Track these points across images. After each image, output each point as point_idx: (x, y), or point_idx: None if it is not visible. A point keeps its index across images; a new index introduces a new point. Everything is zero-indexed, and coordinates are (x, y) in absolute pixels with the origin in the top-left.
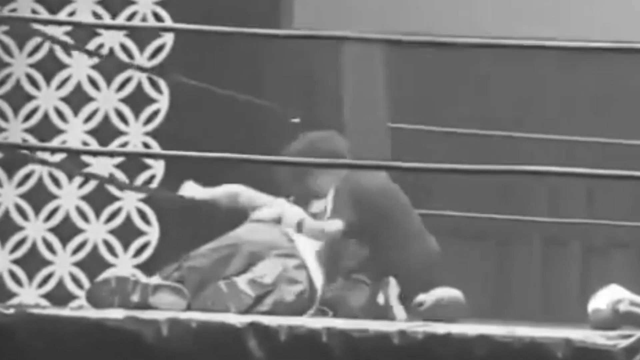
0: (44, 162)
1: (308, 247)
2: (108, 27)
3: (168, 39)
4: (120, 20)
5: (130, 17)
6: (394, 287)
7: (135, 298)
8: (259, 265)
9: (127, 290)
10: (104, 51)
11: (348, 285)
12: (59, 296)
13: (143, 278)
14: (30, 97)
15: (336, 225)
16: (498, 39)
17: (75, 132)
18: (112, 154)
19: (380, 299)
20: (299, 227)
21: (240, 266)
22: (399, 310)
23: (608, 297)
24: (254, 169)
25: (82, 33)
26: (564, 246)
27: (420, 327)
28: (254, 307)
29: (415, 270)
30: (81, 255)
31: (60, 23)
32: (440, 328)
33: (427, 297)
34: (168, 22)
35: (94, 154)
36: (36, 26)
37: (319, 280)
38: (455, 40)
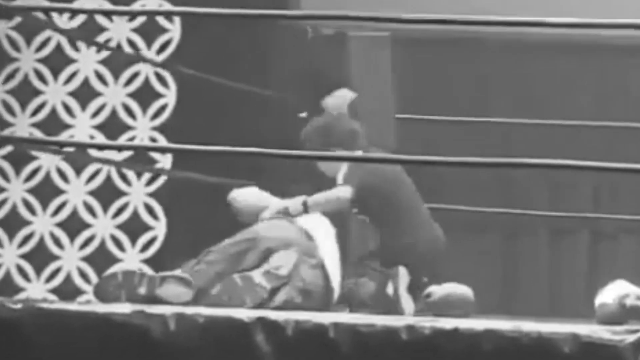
0: (53, 151)
1: (327, 244)
2: (116, 14)
3: (175, 33)
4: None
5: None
6: (404, 278)
7: (142, 290)
8: (274, 257)
9: (134, 283)
10: (112, 45)
11: (359, 271)
12: (67, 291)
13: (149, 271)
14: (37, 92)
15: (343, 191)
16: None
17: (82, 127)
18: (119, 148)
19: (390, 290)
20: (305, 207)
21: (255, 260)
22: (407, 301)
23: (615, 292)
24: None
25: (90, 28)
26: (570, 236)
27: (427, 322)
28: (269, 300)
29: (423, 257)
30: (89, 250)
31: (63, 10)
32: (447, 323)
33: (436, 290)
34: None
35: (102, 148)
36: (45, 19)
37: (336, 279)
38: (460, 19)
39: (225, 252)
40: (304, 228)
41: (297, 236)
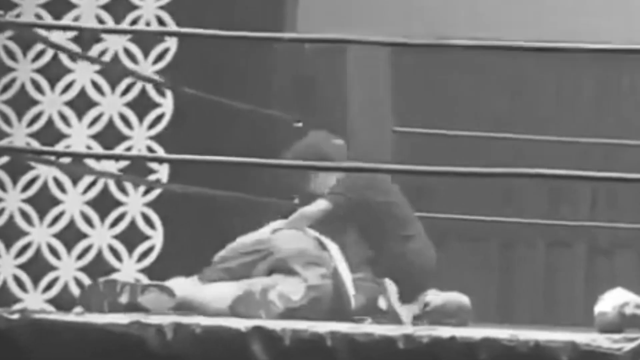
0: (49, 162)
1: (340, 254)
2: (111, 32)
3: (172, 43)
4: (125, 25)
5: (134, 21)
6: (393, 289)
7: (124, 299)
8: (289, 280)
9: (115, 292)
10: (108, 56)
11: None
12: (64, 301)
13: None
14: (34, 102)
15: (318, 205)
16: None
17: (79, 137)
18: (116, 158)
19: (382, 304)
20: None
21: (266, 270)
22: (403, 311)
23: (614, 300)
24: (258, 173)
25: (86, 38)
26: (568, 246)
27: (425, 331)
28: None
29: (413, 271)
30: (86, 260)
31: (63, 28)
32: (445, 332)
33: (433, 299)
34: (172, 26)
35: (99, 157)
36: (40, 32)
37: (351, 289)
38: (457, 42)
39: (239, 260)
40: (318, 237)
41: (310, 246)
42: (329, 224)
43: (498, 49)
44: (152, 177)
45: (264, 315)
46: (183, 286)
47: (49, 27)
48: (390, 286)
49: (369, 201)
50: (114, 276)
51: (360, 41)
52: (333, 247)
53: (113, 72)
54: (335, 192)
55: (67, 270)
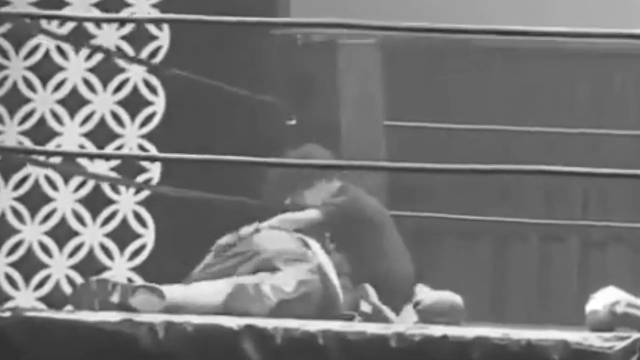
0: (41, 164)
1: (323, 253)
2: (105, 21)
3: (164, 41)
4: (116, 25)
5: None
6: (372, 292)
7: (115, 299)
8: (279, 274)
9: (107, 291)
10: (100, 55)
11: None
12: (55, 299)
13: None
14: (26, 100)
15: (308, 213)
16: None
17: (71, 135)
18: (108, 157)
19: (365, 307)
20: (256, 232)
21: (250, 270)
22: (389, 312)
23: (605, 298)
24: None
25: (79, 35)
26: (560, 243)
27: (417, 330)
28: (276, 312)
29: (393, 284)
30: (77, 258)
31: (52, 17)
32: (436, 330)
33: (425, 297)
34: (164, 25)
35: (91, 156)
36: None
37: (337, 284)
38: (450, 26)
39: (223, 264)
40: (301, 237)
41: (293, 245)
42: (312, 233)
43: (492, 33)
44: (144, 176)
45: (258, 308)
46: (172, 288)
47: (41, 17)
48: (370, 289)
49: (356, 216)
50: (106, 274)
51: (350, 25)
52: (315, 245)
53: (105, 69)
54: (330, 203)
55: (59, 268)
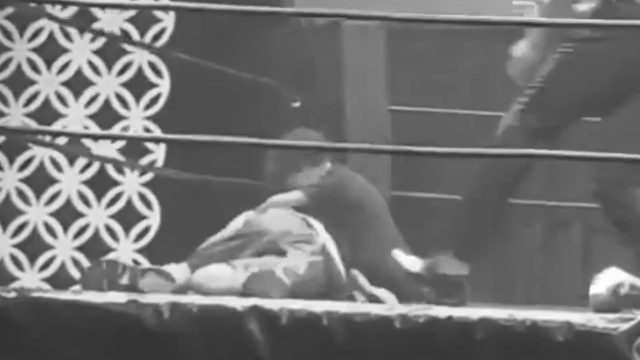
0: (46, 145)
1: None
2: (110, 7)
3: (169, 23)
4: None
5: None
6: (362, 278)
7: (124, 281)
8: (288, 257)
9: (116, 273)
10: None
11: None
12: (60, 280)
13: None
14: (31, 82)
15: (291, 194)
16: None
17: (76, 117)
18: (113, 138)
19: (359, 297)
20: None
21: (254, 253)
22: (382, 293)
23: (608, 280)
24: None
25: (82, 18)
26: (565, 227)
27: (421, 311)
28: (291, 295)
29: (384, 265)
30: (82, 239)
31: (56, 2)
32: (441, 311)
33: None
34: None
35: (95, 138)
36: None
37: (340, 265)
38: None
39: (225, 245)
40: (304, 217)
41: (297, 226)
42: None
43: (494, 24)
44: (148, 158)
45: (276, 293)
46: (180, 271)
47: (45, 2)
48: (359, 276)
49: (342, 198)
50: (111, 256)
51: (355, 16)
52: (318, 225)
53: (110, 51)
54: (312, 185)
55: (64, 249)
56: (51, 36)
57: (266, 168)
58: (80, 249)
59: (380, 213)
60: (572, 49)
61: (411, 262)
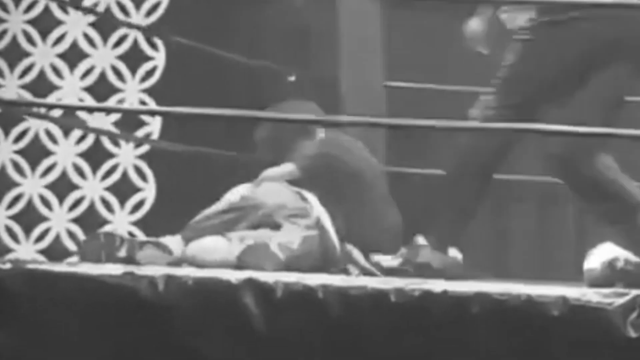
0: (41, 117)
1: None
2: None
3: None
4: None
5: None
6: (357, 252)
7: (122, 253)
8: (282, 231)
9: (114, 246)
10: (100, 9)
11: None
12: (56, 252)
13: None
14: (26, 54)
15: (284, 167)
16: None
17: (71, 89)
18: (108, 111)
19: (354, 272)
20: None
21: (249, 227)
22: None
23: (603, 255)
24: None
25: None
26: (560, 202)
27: (417, 285)
28: (285, 269)
29: (379, 235)
30: (78, 211)
31: None
32: (436, 286)
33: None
34: None
35: (91, 110)
36: None
37: (335, 238)
38: None
39: (219, 218)
40: (298, 190)
41: (291, 199)
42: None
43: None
44: (144, 130)
45: (269, 267)
46: (175, 243)
47: None
48: (354, 250)
49: (339, 168)
50: (107, 228)
51: None
52: (312, 198)
53: (105, 24)
54: (307, 156)
55: (59, 221)
56: (47, 8)
57: (257, 134)
58: (75, 221)
59: (376, 183)
60: (533, 34)
61: (388, 260)
